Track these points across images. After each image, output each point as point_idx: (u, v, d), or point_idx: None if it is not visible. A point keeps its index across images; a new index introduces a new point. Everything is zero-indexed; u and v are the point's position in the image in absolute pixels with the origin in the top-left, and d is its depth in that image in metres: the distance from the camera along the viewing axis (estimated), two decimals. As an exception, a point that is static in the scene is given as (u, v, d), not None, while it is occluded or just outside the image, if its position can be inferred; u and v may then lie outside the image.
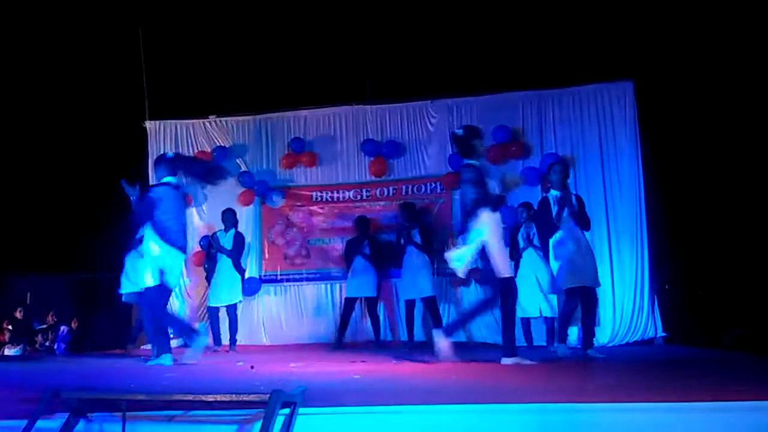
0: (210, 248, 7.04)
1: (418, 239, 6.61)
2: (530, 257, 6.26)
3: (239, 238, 6.96)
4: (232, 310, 6.86)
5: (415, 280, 6.53)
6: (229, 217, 6.96)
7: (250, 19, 7.75)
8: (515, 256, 6.34)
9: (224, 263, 6.87)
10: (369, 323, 6.99)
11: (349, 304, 6.90)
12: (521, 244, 6.33)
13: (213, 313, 6.90)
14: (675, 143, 7.27)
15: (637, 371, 4.21)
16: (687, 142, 7.07)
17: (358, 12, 7.48)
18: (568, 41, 7.12)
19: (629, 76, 7.05)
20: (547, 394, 2.75)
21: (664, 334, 6.65)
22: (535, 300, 6.21)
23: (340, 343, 6.77)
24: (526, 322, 6.41)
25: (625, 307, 6.59)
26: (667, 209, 7.05)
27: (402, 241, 6.63)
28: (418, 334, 6.75)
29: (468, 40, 7.36)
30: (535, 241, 6.18)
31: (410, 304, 6.64)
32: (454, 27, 7.41)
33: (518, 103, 7.29)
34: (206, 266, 7.17)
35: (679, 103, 6.83)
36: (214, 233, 6.98)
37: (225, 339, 6.84)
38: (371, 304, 6.92)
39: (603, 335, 6.46)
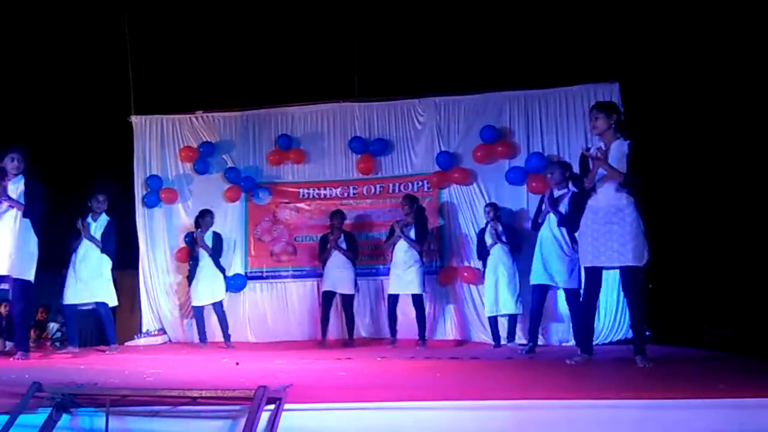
0: (194, 246, 7.01)
1: (411, 235, 6.61)
2: (497, 253, 6.42)
3: (218, 238, 7.00)
4: (218, 307, 6.87)
5: (403, 276, 6.54)
6: (207, 218, 6.96)
7: (239, 14, 7.70)
8: (483, 254, 6.55)
9: (206, 262, 6.87)
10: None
11: (326, 298, 6.92)
12: (489, 241, 6.48)
13: (198, 311, 6.91)
14: (658, 144, 7.33)
15: (620, 369, 4.25)
16: (670, 143, 7.13)
17: (346, 9, 7.47)
18: (554, 42, 7.14)
19: (615, 78, 7.10)
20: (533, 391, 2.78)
21: (647, 333, 6.69)
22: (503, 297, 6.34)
23: (324, 339, 6.79)
24: (493, 320, 6.49)
25: (608, 307, 6.63)
26: (651, 209, 7.10)
27: (396, 233, 6.61)
28: (402, 331, 6.74)
29: (456, 40, 7.37)
30: (503, 238, 6.40)
31: (394, 299, 6.63)
32: (443, 26, 7.42)
33: (505, 103, 7.32)
34: (190, 264, 7.15)
35: (664, 104, 6.89)
36: (198, 231, 6.94)
37: (214, 337, 6.90)
38: (347, 301, 6.92)
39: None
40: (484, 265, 6.56)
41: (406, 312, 6.71)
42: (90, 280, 6.16)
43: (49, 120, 8.08)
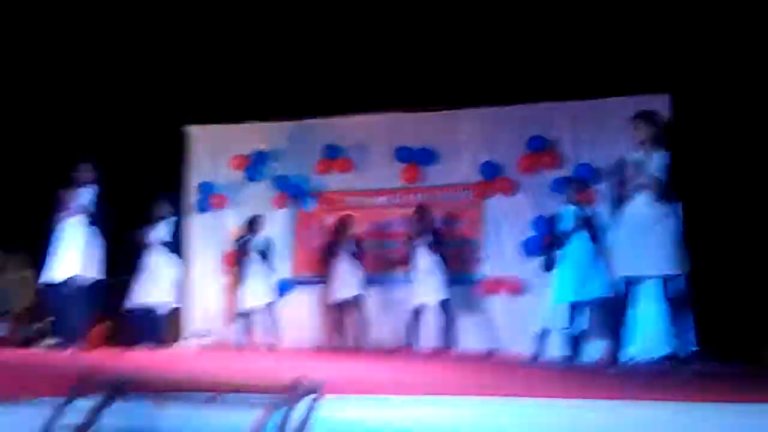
0: (244, 250, 7.21)
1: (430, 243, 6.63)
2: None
3: (269, 242, 7.22)
4: (268, 310, 7.08)
5: (430, 283, 6.55)
6: (259, 222, 7.21)
7: (290, 26, 7.92)
8: (549, 266, 6.37)
9: (257, 266, 7.06)
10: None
11: (335, 307, 7.01)
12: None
13: (246, 314, 7.13)
14: (712, 156, 7.17)
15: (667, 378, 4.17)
16: (724, 155, 6.96)
17: (393, 20, 7.58)
18: (603, 52, 7.09)
19: (667, 90, 6.99)
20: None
21: (695, 348, 6.51)
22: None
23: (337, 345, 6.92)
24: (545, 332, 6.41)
25: (656, 321, 6.46)
26: (705, 223, 6.93)
27: (415, 243, 6.63)
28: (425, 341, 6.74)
29: (503, 50, 7.38)
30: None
31: (420, 309, 6.64)
32: (491, 36, 7.44)
33: (551, 114, 7.30)
34: (239, 268, 7.35)
35: (716, 116, 6.74)
36: (247, 236, 7.14)
37: (263, 338, 7.09)
38: (358, 302, 6.97)
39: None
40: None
41: (427, 322, 6.71)
42: (160, 282, 6.52)
43: (109, 131, 8.43)
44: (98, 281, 5.71)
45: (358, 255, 7.01)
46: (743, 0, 6.61)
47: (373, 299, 7.30)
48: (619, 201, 4.38)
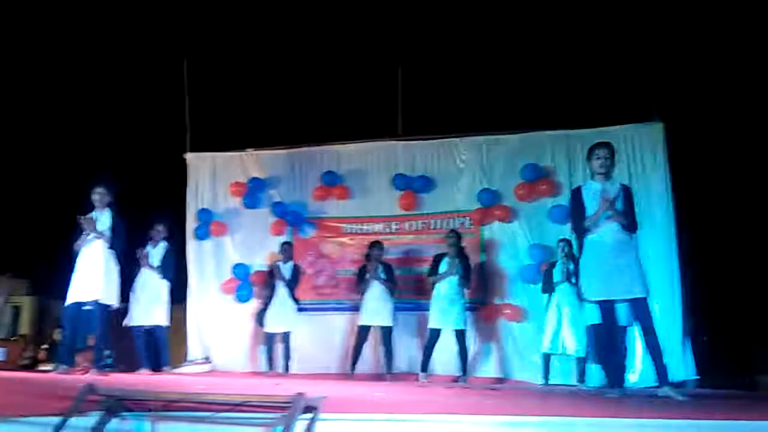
0: (271, 277, 7.26)
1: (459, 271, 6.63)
2: (565, 292, 6.32)
3: (297, 269, 7.32)
4: (288, 336, 7.16)
5: (450, 310, 6.55)
6: (288, 249, 7.30)
7: (286, 56, 8.08)
8: (548, 290, 6.47)
9: (282, 291, 7.15)
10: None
11: (362, 331, 6.98)
12: (556, 278, 6.39)
13: (270, 338, 7.21)
14: (707, 186, 7.26)
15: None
16: (719, 185, 7.06)
17: (391, 50, 7.74)
18: (598, 82, 7.24)
19: (660, 118, 7.10)
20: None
21: (696, 377, 6.52)
22: (557, 336, 6.27)
23: (353, 372, 6.87)
24: (546, 357, 6.42)
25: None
26: (700, 251, 6.99)
27: (447, 270, 6.61)
28: (438, 368, 6.74)
29: (499, 80, 7.55)
30: (573, 279, 6.21)
31: (436, 334, 6.63)
32: (485, 66, 7.61)
33: (547, 143, 7.39)
34: (264, 293, 7.44)
35: (709, 143, 6.86)
36: (276, 263, 7.23)
37: (258, 367, 7.21)
38: (386, 333, 6.94)
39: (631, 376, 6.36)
40: (548, 301, 6.47)
41: (442, 348, 6.69)
42: (148, 304, 6.50)
43: (112, 156, 8.53)
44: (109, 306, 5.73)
45: (388, 281, 7.00)
46: (733, 32, 6.78)
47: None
48: (581, 229, 4.49)
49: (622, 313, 5.04)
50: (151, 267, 6.66)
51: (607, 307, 4.43)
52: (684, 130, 7.05)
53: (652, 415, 2.70)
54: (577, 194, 4.57)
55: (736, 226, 7.14)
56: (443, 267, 6.63)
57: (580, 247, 4.56)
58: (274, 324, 7.16)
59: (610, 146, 4.60)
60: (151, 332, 6.69)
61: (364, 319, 6.96)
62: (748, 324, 6.95)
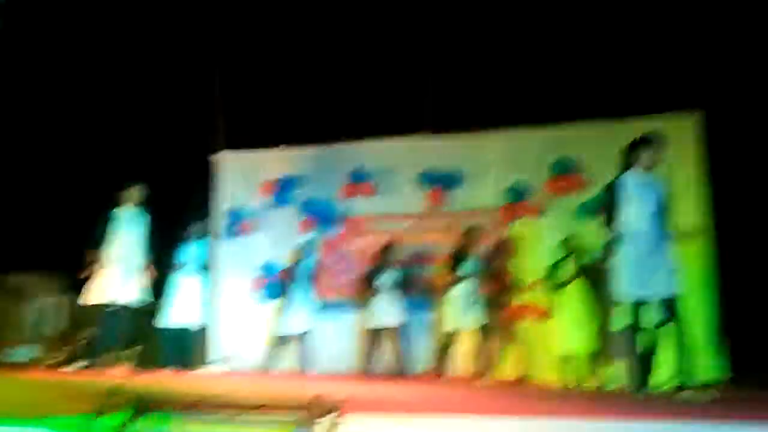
0: (291, 276, 7.28)
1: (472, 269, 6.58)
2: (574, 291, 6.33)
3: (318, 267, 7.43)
4: (307, 335, 7.18)
5: (468, 310, 6.50)
6: (308, 247, 7.41)
7: (315, 52, 8.09)
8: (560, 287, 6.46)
9: (302, 290, 7.22)
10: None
11: (373, 333, 6.97)
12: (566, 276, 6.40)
13: (285, 340, 7.24)
14: (744, 179, 7.04)
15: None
16: (756, 178, 6.84)
17: (419, 44, 7.68)
18: (629, 73, 7.07)
19: (696, 110, 6.90)
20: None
21: (729, 376, 6.35)
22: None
23: (369, 373, 6.89)
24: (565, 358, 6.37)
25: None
26: (737, 247, 6.78)
27: (456, 268, 6.59)
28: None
29: (528, 73, 7.43)
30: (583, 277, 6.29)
31: (452, 334, 6.59)
32: (514, 59, 7.50)
33: (578, 136, 7.26)
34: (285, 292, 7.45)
35: (748, 134, 6.65)
36: (297, 261, 7.23)
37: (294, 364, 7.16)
38: (396, 332, 6.93)
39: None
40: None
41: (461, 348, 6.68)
42: (183, 304, 6.62)
43: (144, 153, 8.67)
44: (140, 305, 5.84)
45: (401, 281, 6.97)
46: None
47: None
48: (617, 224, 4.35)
49: (652, 312, 4.91)
50: (192, 265, 6.76)
51: (640, 306, 4.30)
52: (722, 122, 6.85)
53: (674, 418, 2.63)
54: (615, 187, 4.41)
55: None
56: (467, 265, 6.56)
57: (614, 243, 4.38)
58: (294, 325, 7.15)
59: (660, 138, 4.47)
60: (183, 332, 6.77)
61: (374, 321, 6.94)
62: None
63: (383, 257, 7.00)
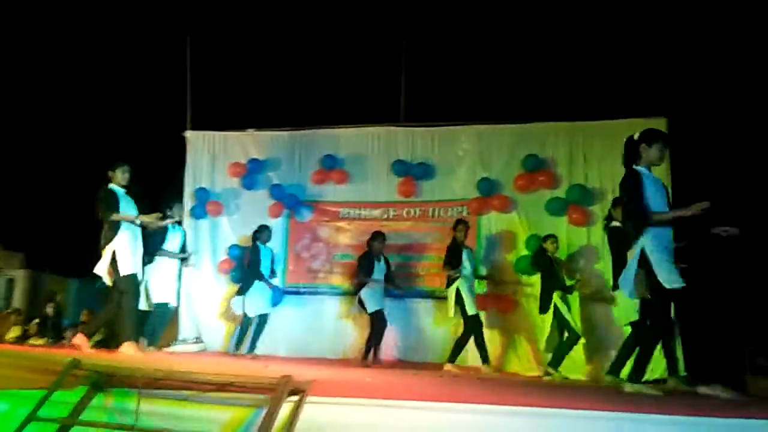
0: (251, 259, 7.22)
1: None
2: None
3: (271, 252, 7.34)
4: (265, 318, 7.16)
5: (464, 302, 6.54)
6: (266, 232, 7.29)
7: (291, 38, 8.03)
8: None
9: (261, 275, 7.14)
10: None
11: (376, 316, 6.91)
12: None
13: (247, 321, 7.16)
14: (706, 180, 7.22)
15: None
16: (717, 177, 7.03)
17: (394, 35, 7.68)
18: (601, 76, 7.19)
19: (662, 114, 7.05)
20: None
21: (684, 374, 6.51)
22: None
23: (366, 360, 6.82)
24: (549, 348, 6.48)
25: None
26: (697, 247, 6.96)
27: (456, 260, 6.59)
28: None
29: (501, 70, 7.50)
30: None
31: (477, 321, 6.60)
32: (489, 56, 7.56)
33: (548, 134, 7.36)
34: (239, 276, 7.40)
35: (711, 139, 6.82)
36: (255, 245, 7.17)
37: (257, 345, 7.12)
38: (378, 316, 6.90)
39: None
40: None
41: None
42: (160, 282, 6.50)
43: (108, 134, 8.50)
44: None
45: (385, 270, 6.99)
46: (739, 27, 6.72)
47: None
48: (644, 215, 4.04)
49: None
50: (171, 247, 6.65)
51: (668, 298, 4.05)
52: (686, 126, 7.00)
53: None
54: (638, 177, 4.08)
55: (735, 219, 7.09)
56: (465, 259, 6.60)
57: (638, 234, 4.06)
58: (255, 307, 7.10)
59: (663, 135, 4.29)
60: (159, 311, 6.62)
61: (375, 304, 6.86)
62: (743, 324, 6.94)
63: (373, 247, 6.95)
